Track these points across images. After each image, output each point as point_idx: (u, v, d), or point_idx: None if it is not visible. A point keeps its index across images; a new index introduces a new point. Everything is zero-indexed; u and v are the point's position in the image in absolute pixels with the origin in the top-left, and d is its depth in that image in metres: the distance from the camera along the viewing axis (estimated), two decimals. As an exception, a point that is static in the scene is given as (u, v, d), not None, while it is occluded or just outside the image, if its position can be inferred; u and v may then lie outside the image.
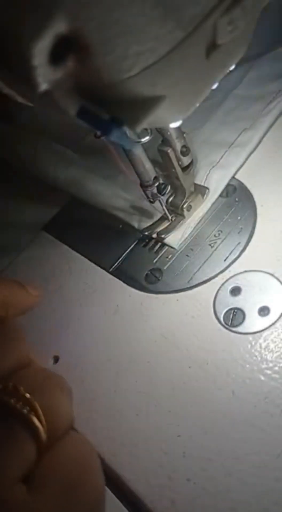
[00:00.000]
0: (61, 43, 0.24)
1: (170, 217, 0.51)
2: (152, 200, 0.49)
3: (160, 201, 0.49)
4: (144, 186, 0.48)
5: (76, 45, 0.25)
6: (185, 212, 0.51)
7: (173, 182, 0.49)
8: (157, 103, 0.30)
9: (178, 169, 0.47)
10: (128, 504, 0.37)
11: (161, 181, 0.48)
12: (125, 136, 0.32)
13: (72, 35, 0.24)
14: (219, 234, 0.50)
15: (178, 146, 0.45)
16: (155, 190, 0.48)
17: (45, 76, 0.24)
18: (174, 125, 0.37)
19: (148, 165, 0.46)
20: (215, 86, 0.35)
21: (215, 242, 0.49)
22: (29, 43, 0.23)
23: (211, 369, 0.41)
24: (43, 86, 0.25)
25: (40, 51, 0.23)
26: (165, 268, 0.50)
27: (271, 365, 0.39)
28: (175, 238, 0.51)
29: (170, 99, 0.31)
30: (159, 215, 0.53)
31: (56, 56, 0.24)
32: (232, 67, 0.35)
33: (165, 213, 0.51)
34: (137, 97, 0.30)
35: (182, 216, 0.51)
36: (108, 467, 0.39)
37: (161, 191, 0.48)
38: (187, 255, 0.50)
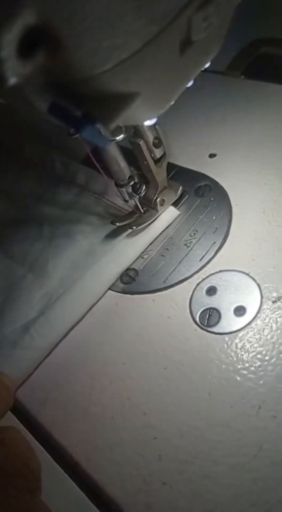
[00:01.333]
0: (31, 35, 0.23)
1: (142, 211, 0.51)
2: (127, 199, 0.49)
3: (134, 200, 0.49)
4: (118, 185, 0.47)
5: (46, 37, 0.24)
6: (158, 207, 0.50)
7: (145, 175, 0.49)
8: (130, 100, 0.30)
9: (150, 162, 0.47)
10: (104, 508, 0.36)
11: (136, 180, 0.47)
12: (99, 134, 0.32)
13: (42, 27, 0.23)
14: (194, 234, 0.49)
15: (150, 138, 0.45)
16: (130, 190, 0.47)
17: (13, 69, 0.23)
18: (148, 122, 0.37)
19: (123, 164, 0.45)
20: (189, 84, 0.35)
21: (191, 242, 0.49)
22: (-3, 34, 0.22)
23: (187, 370, 0.41)
24: (12, 81, 0.24)
25: (8, 43, 0.22)
26: (140, 268, 0.49)
27: (247, 365, 0.39)
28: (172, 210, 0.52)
29: (144, 96, 0.30)
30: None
31: (26, 48, 0.23)
32: (207, 65, 0.34)
33: (139, 210, 0.50)
34: (110, 93, 0.29)
35: (155, 210, 0.51)
36: (83, 471, 0.38)
37: (136, 190, 0.48)
38: (162, 255, 0.49)
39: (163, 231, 0.51)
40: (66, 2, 0.23)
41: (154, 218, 0.51)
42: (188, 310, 0.44)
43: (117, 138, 0.39)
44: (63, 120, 0.29)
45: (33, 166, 0.65)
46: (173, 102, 0.35)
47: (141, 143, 0.44)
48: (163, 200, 0.51)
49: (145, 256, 0.50)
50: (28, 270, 0.52)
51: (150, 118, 0.36)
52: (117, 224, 0.51)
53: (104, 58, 0.27)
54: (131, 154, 0.47)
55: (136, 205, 0.50)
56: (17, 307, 0.49)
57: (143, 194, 0.48)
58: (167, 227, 0.52)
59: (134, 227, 0.50)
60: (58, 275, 0.50)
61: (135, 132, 0.44)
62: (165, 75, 0.31)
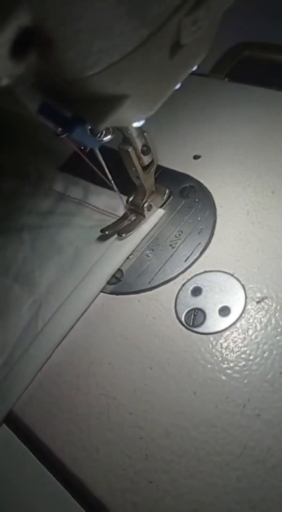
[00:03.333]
0: (24, 36, 0.23)
1: (130, 216, 0.51)
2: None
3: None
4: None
5: (39, 39, 0.24)
6: (145, 212, 0.51)
7: (133, 181, 0.49)
8: (120, 102, 0.30)
9: (139, 168, 0.47)
10: (90, 509, 0.36)
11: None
12: (88, 135, 0.32)
13: (36, 28, 0.23)
14: (179, 235, 0.50)
15: (139, 145, 0.45)
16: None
17: (6, 70, 0.23)
18: (136, 124, 0.37)
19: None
20: (178, 86, 0.35)
21: (176, 243, 0.49)
22: (-10, 34, 0.22)
23: (173, 370, 0.41)
24: (4, 81, 0.24)
25: (2, 43, 0.22)
26: (126, 268, 0.50)
27: (232, 364, 0.40)
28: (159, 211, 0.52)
29: (133, 97, 0.30)
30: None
31: (19, 49, 0.23)
32: (195, 68, 0.35)
33: (126, 213, 0.50)
34: (101, 95, 0.29)
35: (142, 215, 0.51)
36: (69, 471, 0.38)
37: None
38: (148, 256, 0.50)
39: (149, 232, 0.52)
40: (60, 5, 0.23)
41: (141, 224, 0.51)
42: (173, 310, 0.44)
43: (105, 139, 0.39)
44: (53, 120, 0.29)
45: (8, 176, 0.64)
46: (160, 104, 0.35)
47: (129, 150, 0.44)
48: (150, 206, 0.51)
49: (131, 257, 0.50)
50: (14, 281, 0.52)
51: (139, 120, 0.36)
52: (107, 232, 0.51)
53: (95, 60, 0.27)
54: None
55: (124, 212, 0.50)
56: (7, 319, 0.49)
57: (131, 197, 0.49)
58: (152, 228, 0.52)
59: (123, 235, 0.50)
60: (46, 283, 0.51)
61: (124, 139, 0.44)
62: (154, 77, 0.31)
